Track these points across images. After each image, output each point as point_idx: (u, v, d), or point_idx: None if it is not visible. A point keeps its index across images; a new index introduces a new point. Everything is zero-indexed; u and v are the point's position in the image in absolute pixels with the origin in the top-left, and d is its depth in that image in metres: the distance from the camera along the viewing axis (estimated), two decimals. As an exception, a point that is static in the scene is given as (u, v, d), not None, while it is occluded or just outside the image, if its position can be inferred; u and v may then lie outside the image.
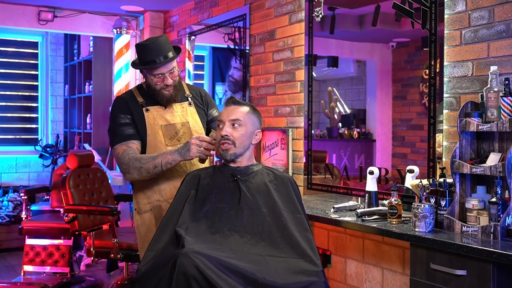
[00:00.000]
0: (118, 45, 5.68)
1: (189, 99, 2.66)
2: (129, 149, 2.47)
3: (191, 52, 5.22)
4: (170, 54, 2.49)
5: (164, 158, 2.39)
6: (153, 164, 2.40)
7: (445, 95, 2.64)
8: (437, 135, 2.65)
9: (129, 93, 2.63)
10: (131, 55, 5.77)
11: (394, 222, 2.37)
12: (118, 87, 5.67)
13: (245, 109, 2.28)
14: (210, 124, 2.71)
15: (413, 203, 2.27)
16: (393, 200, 2.41)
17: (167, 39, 2.54)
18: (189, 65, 5.22)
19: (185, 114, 2.61)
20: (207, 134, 2.67)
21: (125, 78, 5.69)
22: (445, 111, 2.64)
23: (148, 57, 2.47)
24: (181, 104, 2.62)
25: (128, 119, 2.51)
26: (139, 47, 2.52)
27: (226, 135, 2.22)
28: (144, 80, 2.59)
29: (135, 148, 2.49)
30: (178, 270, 1.85)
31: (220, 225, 2.11)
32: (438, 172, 2.47)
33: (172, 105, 2.58)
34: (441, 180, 2.30)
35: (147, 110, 2.54)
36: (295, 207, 2.18)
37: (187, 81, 5.22)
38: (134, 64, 2.58)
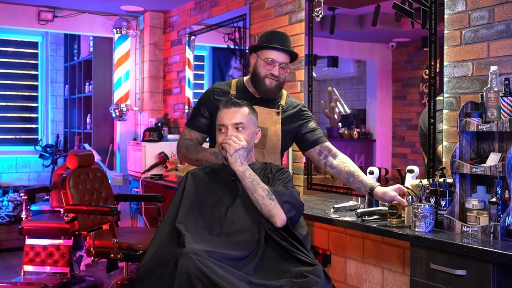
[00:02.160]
0: (118, 52, 5.68)
1: (280, 108, 2.62)
2: (188, 135, 2.65)
3: (191, 52, 5.22)
4: (290, 49, 2.56)
5: (205, 156, 2.53)
6: (196, 158, 2.57)
7: (445, 95, 2.64)
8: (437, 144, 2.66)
9: (227, 84, 2.68)
10: (131, 64, 5.78)
11: (394, 222, 2.37)
12: (118, 95, 5.67)
13: (246, 110, 2.28)
14: (306, 135, 2.64)
15: (413, 203, 2.27)
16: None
17: (289, 39, 2.62)
18: (189, 65, 5.22)
19: (267, 120, 2.59)
20: (300, 145, 2.69)
21: (125, 86, 5.70)
22: (445, 111, 2.64)
23: (269, 40, 2.53)
24: (268, 110, 2.60)
25: (206, 113, 2.62)
26: (264, 33, 2.61)
27: None
28: (252, 70, 2.58)
29: (194, 138, 2.65)
30: (180, 269, 1.85)
31: (217, 225, 2.11)
32: (439, 174, 2.47)
33: (259, 108, 2.51)
34: (441, 180, 2.30)
35: None
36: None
37: (187, 83, 5.22)
38: (252, 47, 2.62)
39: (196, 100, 2.79)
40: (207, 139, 2.76)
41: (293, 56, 2.58)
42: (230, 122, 2.24)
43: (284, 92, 2.70)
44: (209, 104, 2.62)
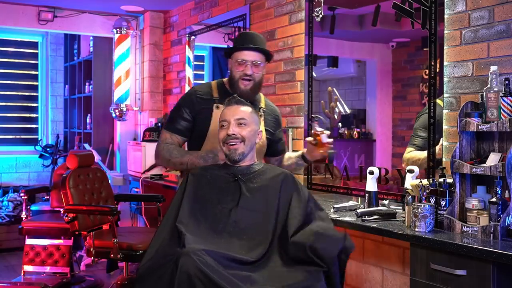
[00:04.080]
0: (117, 72, 5.69)
1: (261, 111, 2.66)
2: (169, 139, 2.60)
3: (191, 52, 5.22)
4: (259, 47, 2.56)
5: (191, 160, 2.50)
6: (180, 161, 2.54)
7: (445, 95, 2.64)
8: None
9: (207, 86, 2.68)
10: (130, 62, 5.78)
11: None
12: (118, 93, 5.68)
13: (248, 108, 2.30)
14: (277, 143, 2.77)
15: (413, 203, 2.27)
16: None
17: (264, 38, 2.64)
18: (189, 65, 5.22)
19: None
20: (268, 150, 2.70)
21: (126, 84, 5.70)
22: (445, 111, 2.64)
23: (239, 42, 2.57)
24: None
25: (188, 116, 2.58)
26: (238, 34, 2.65)
27: (234, 134, 2.23)
28: (229, 73, 2.61)
29: (176, 142, 2.61)
30: (181, 269, 1.85)
31: (219, 226, 2.11)
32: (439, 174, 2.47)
33: None
34: (441, 180, 2.30)
35: (217, 107, 2.56)
36: (297, 203, 2.18)
37: (187, 82, 5.22)
38: (226, 52, 2.65)
39: None
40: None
41: (267, 55, 2.59)
42: (233, 117, 2.25)
43: (262, 95, 2.73)
44: (192, 106, 2.59)
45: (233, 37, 4.46)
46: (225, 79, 2.68)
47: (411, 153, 2.78)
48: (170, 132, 2.61)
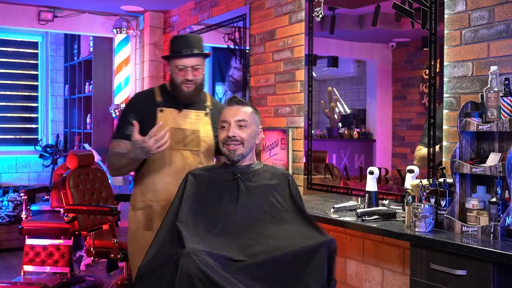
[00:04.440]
0: (117, 59, 5.68)
1: (208, 109, 2.68)
2: (118, 147, 2.55)
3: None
4: (197, 51, 2.57)
5: (125, 161, 2.50)
6: (119, 165, 2.53)
7: (445, 95, 2.64)
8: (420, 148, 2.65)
9: (150, 91, 2.71)
10: (131, 69, 5.78)
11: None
12: (119, 99, 5.67)
13: (249, 109, 2.30)
14: None
15: (413, 203, 2.27)
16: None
17: (200, 39, 2.65)
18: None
19: (198, 122, 2.63)
20: (216, 148, 2.66)
21: (126, 92, 5.69)
22: (445, 111, 2.64)
23: (176, 47, 2.57)
24: (197, 112, 2.64)
25: (133, 119, 2.52)
26: (172, 38, 2.65)
27: (234, 136, 2.22)
28: (170, 77, 2.63)
29: (123, 147, 2.54)
30: (181, 269, 1.85)
31: (218, 225, 2.11)
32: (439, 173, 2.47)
33: (188, 111, 2.61)
34: (441, 180, 2.30)
35: (161, 110, 2.58)
36: (294, 205, 2.18)
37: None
38: (165, 56, 2.69)
39: None
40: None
41: (205, 56, 2.64)
42: (233, 119, 2.25)
43: (207, 93, 2.76)
44: (136, 111, 2.58)
45: (233, 37, 4.47)
46: (166, 83, 2.69)
47: (421, 150, 2.77)
48: (117, 140, 2.58)
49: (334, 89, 3.53)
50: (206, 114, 2.66)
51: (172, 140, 2.50)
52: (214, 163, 2.68)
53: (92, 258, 3.57)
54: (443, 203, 2.27)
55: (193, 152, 2.59)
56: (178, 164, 2.56)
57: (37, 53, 6.98)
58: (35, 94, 6.98)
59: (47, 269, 4.42)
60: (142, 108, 2.59)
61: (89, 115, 6.44)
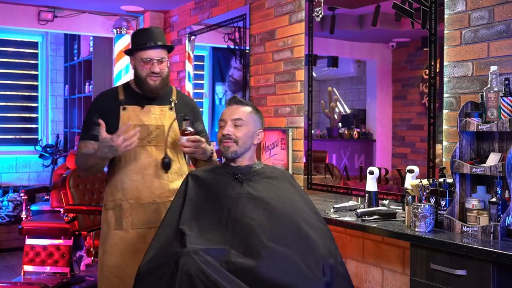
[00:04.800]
0: (118, 47, 5.68)
1: (173, 104, 2.64)
2: (86, 149, 2.55)
3: (191, 52, 5.22)
4: (161, 43, 2.54)
5: (93, 161, 2.48)
6: (87, 166, 2.53)
7: (445, 95, 2.64)
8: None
9: (113, 90, 2.68)
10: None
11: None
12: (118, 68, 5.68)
13: (247, 109, 2.29)
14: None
15: (413, 203, 2.27)
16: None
17: (162, 32, 2.62)
18: (189, 65, 5.22)
19: (162, 118, 2.60)
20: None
21: (125, 79, 5.68)
22: (445, 111, 2.64)
23: (140, 40, 2.54)
24: (160, 107, 2.61)
25: (97, 119, 2.49)
26: (134, 32, 2.62)
27: (228, 134, 2.23)
28: (134, 72, 2.60)
29: (91, 148, 2.53)
30: (181, 269, 1.85)
31: (218, 226, 2.10)
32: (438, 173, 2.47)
33: (151, 107, 2.59)
34: (441, 180, 2.30)
35: (124, 108, 2.56)
36: (295, 205, 2.18)
37: (187, 83, 5.22)
38: (127, 50, 2.62)
39: (197, 100, 2.80)
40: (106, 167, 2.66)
41: (169, 49, 2.61)
42: (230, 117, 2.25)
43: (173, 87, 2.72)
44: (100, 110, 2.56)
45: (233, 37, 4.47)
46: (131, 80, 2.66)
47: None
48: (84, 141, 2.57)
49: (334, 89, 3.53)
50: (170, 108, 2.63)
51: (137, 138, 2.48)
52: (183, 158, 2.68)
53: (92, 258, 3.58)
54: (443, 203, 2.27)
55: (158, 148, 2.58)
56: (143, 161, 2.55)
57: (37, 53, 6.98)
58: (35, 94, 6.98)
59: (47, 269, 4.42)
60: (106, 108, 2.57)
61: (89, 115, 6.43)
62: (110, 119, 2.52)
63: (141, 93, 2.59)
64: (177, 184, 2.53)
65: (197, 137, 2.50)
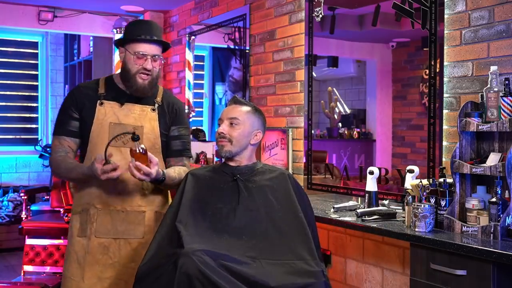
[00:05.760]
0: (117, 56, 5.68)
1: (156, 105, 2.43)
2: (59, 146, 2.35)
3: (191, 52, 5.22)
4: (157, 38, 2.35)
5: (77, 176, 2.31)
6: (68, 177, 2.41)
7: (445, 95, 2.64)
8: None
9: (94, 83, 2.44)
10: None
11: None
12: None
13: (245, 108, 2.28)
14: (172, 141, 2.47)
15: (413, 203, 2.27)
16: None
17: (160, 27, 2.46)
18: (189, 65, 5.22)
19: (142, 118, 2.39)
20: (164, 146, 2.45)
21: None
22: (445, 111, 2.64)
23: (136, 31, 2.32)
24: (142, 107, 2.40)
25: (73, 112, 2.34)
26: (130, 22, 2.41)
27: (222, 133, 2.24)
28: (122, 65, 2.38)
29: (66, 146, 2.35)
30: (180, 269, 1.85)
31: (218, 226, 2.10)
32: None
33: (131, 105, 2.38)
34: (441, 180, 2.30)
35: (101, 103, 2.35)
36: (294, 206, 2.17)
37: (187, 90, 5.22)
38: (118, 40, 2.39)
39: (197, 100, 2.74)
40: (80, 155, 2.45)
41: (165, 46, 2.42)
42: (226, 116, 2.26)
43: (160, 87, 2.50)
44: (76, 104, 2.35)
45: (233, 37, 4.47)
46: (115, 74, 2.45)
47: None
48: (58, 137, 2.36)
49: (334, 89, 3.53)
50: (153, 109, 2.41)
51: (110, 136, 2.29)
52: (162, 161, 2.45)
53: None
54: (443, 203, 2.27)
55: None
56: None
57: (37, 53, 6.98)
58: (35, 94, 6.98)
59: (47, 269, 4.42)
60: (83, 101, 2.35)
61: (89, 115, 6.42)
62: (86, 113, 2.34)
63: (125, 89, 2.38)
64: (154, 194, 2.38)
65: (146, 168, 2.18)
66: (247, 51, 4.25)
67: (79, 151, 2.44)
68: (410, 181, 2.54)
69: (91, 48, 6.39)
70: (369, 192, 2.71)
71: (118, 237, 2.33)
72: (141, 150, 2.18)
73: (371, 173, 2.72)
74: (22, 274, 4.45)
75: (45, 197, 6.00)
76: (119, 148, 2.32)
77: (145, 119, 2.39)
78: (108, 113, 2.35)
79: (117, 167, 2.16)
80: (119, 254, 2.34)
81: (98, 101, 2.35)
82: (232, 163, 2.28)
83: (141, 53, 2.30)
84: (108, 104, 2.36)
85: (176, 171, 2.38)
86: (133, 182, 2.33)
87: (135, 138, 2.17)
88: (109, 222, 2.33)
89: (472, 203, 2.20)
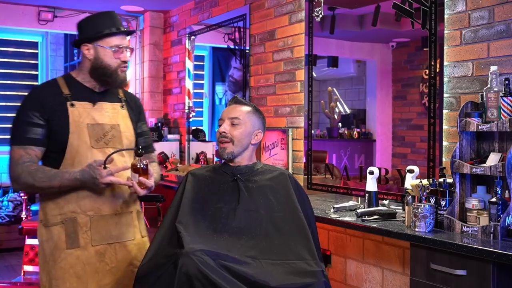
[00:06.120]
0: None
1: (122, 101, 2.35)
2: (26, 156, 2.13)
3: (191, 52, 5.22)
4: (123, 29, 2.25)
5: (63, 183, 2.12)
6: (49, 185, 2.12)
7: (445, 95, 2.64)
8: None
9: (52, 84, 2.26)
10: (133, 58, 5.76)
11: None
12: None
13: (246, 108, 2.29)
14: (138, 138, 2.40)
15: (413, 203, 2.27)
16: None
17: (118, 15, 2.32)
18: (189, 65, 5.22)
19: (116, 116, 2.29)
20: (137, 143, 2.39)
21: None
22: (445, 111, 2.64)
23: (106, 25, 2.20)
24: (112, 105, 2.30)
25: (38, 119, 2.14)
26: (91, 19, 2.23)
27: (224, 132, 2.23)
28: (92, 62, 2.22)
29: (33, 155, 2.14)
30: (180, 269, 1.85)
31: (218, 226, 2.10)
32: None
33: (102, 103, 2.27)
34: (441, 180, 2.30)
35: (72, 105, 2.19)
36: (294, 206, 2.17)
37: (187, 81, 5.22)
38: (82, 38, 2.21)
39: (197, 100, 2.71)
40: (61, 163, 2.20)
41: (129, 35, 2.35)
42: (227, 116, 2.26)
43: None
44: (41, 108, 2.15)
45: (233, 37, 4.47)
46: (74, 73, 2.28)
47: None
48: (23, 147, 2.13)
49: (334, 89, 3.54)
50: (122, 106, 2.33)
51: (92, 138, 2.19)
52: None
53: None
54: (443, 203, 2.27)
55: (114, 149, 2.23)
56: None
57: (37, 53, 6.98)
58: (35, 94, 6.98)
59: (47, 269, 4.41)
60: (50, 104, 2.16)
61: (89, 115, 6.43)
62: (55, 119, 2.16)
63: (92, 88, 2.26)
64: (133, 192, 2.24)
65: (150, 183, 2.16)
66: (247, 51, 4.25)
67: (43, 158, 2.22)
68: (410, 181, 2.54)
69: (91, 48, 6.39)
70: (369, 192, 2.71)
71: (113, 242, 2.25)
72: (143, 166, 2.15)
73: (371, 173, 2.72)
74: (22, 274, 4.45)
75: (45, 197, 5.99)
76: (103, 149, 2.22)
77: (118, 117, 2.31)
78: (82, 114, 2.20)
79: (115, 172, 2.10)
80: (116, 259, 2.26)
81: (68, 102, 2.19)
82: (232, 163, 2.28)
83: (119, 46, 2.21)
84: (79, 105, 2.21)
85: (155, 171, 2.34)
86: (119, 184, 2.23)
87: (140, 153, 2.14)
88: (103, 228, 2.22)
89: (472, 203, 2.21)
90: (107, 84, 2.26)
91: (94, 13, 2.24)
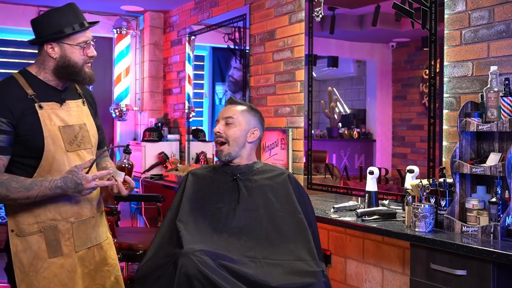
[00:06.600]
0: (118, 47, 5.67)
1: (82, 96, 2.23)
2: (15, 181, 1.96)
3: (191, 52, 5.22)
4: (87, 23, 2.13)
5: (42, 192, 1.97)
6: (26, 195, 1.95)
7: (445, 95, 2.64)
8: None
9: (13, 84, 2.06)
10: (131, 58, 5.77)
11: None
12: (118, 90, 5.68)
13: (240, 107, 2.29)
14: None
15: (413, 203, 2.27)
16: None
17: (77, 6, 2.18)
18: (189, 65, 5.22)
19: (81, 115, 2.17)
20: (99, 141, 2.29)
21: (127, 80, 5.68)
22: (445, 111, 2.64)
23: (69, 22, 2.07)
24: (75, 102, 2.18)
25: (6, 125, 1.97)
26: (49, 15, 2.09)
27: (219, 132, 2.24)
28: (57, 60, 2.08)
29: (1, 165, 1.98)
30: (180, 270, 1.85)
31: (217, 226, 2.10)
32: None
33: (68, 102, 2.14)
34: (441, 180, 2.30)
35: (40, 107, 2.03)
36: (294, 206, 2.17)
37: (187, 67, 5.22)
38: (54, 36, 2.06)
39: (197, 100, 2.70)
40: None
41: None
42: (222, 116, 2.27)
43: None
44: (9, 114, 1.97)
45: (233, 37, 4.47)
46: (31, 69, 2.12)
47: None
48: None
49: (334, 89, 3.54)
50: (83, 102, 2.21)
51: (65, 141, 2.07)
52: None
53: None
54: (443, 203, 2.27)
55: (88, 151, 2.16)
56: None
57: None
58: (35, 94, 6.98)
59: (47, 269, 4.41)
60: (16, 107, 1.99)
61: (89, 115, 6.42)
62: (26, 122, 2.00)
63: (56, 87, 2.12)
64: (99, 192, 2.23)
65: (132, 181, 2.16)
66: (247, 51, 4.25)
67: (12, 166, 2.04)
68: (410, 181, 2.54)
69: (91, 48, 6.38)
70: (369, 192, 2.71)
71: (92, 245, 2.18)
72: (128, 166, 2.12)
73: (371, 173, 2.72)
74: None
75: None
76: (77, 151, 2.11)
77: (83, 115, 2.19)
78: (52, 116, 2.06)
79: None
80: (95, 261, 2.19)
81: (36, 104, 2.03)
82: (232, 163, 2.28)
83: (85, 42, 2.10)
84: (47, 106, 2.06)
85: (112, 166, 2.30)
86: None
87: (129, 151, 2.10)
88: (84, 233, 2.14)
89: (472, 203, 2.21)
90: (77, 83, 2.18)
91: (53, 8, 2.10)
